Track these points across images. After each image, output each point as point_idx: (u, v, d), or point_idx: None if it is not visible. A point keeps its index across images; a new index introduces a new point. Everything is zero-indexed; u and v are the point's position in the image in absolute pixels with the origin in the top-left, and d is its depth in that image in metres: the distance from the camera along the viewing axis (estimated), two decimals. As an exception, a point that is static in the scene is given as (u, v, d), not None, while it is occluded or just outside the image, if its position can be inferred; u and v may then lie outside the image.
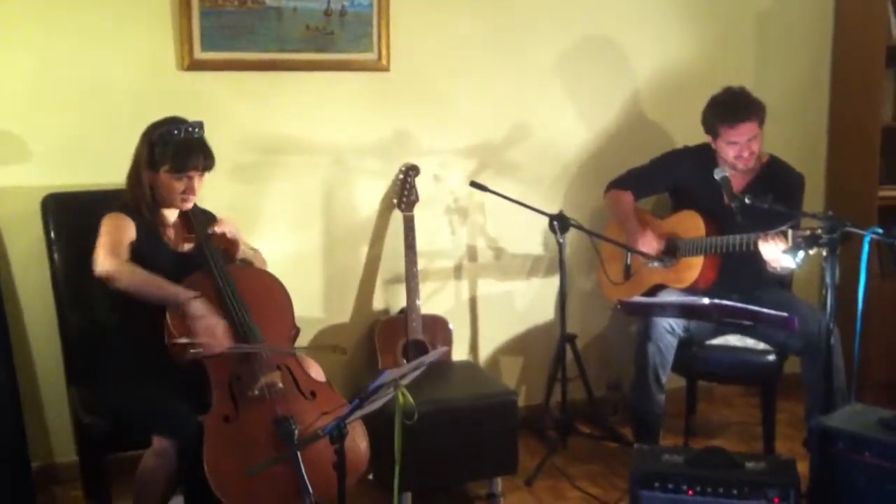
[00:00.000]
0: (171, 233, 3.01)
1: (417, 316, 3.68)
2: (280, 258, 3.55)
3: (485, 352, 4.08)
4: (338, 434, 2.32)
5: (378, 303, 3.86)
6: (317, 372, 3.00)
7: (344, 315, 3.82)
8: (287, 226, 3.68)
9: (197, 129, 2.91)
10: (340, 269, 3.80)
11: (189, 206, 2.96)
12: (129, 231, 2.87)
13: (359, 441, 2.85)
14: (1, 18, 3.21)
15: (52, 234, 3.17)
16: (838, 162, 4.48)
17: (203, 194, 3.39)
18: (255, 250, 3.24)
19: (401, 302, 3.77)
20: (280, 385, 2.79)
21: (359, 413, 2.37)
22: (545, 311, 4.11)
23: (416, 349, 3.68)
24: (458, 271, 3.98)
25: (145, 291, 2.75)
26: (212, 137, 3.44)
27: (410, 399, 2.36)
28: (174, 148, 2.86)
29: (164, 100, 3.37)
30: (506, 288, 4.07)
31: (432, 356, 2.47)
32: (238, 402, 2.74)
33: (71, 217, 3.17)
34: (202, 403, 2.74)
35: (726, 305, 3.01)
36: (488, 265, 4.02)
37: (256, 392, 2.75)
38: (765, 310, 2.99)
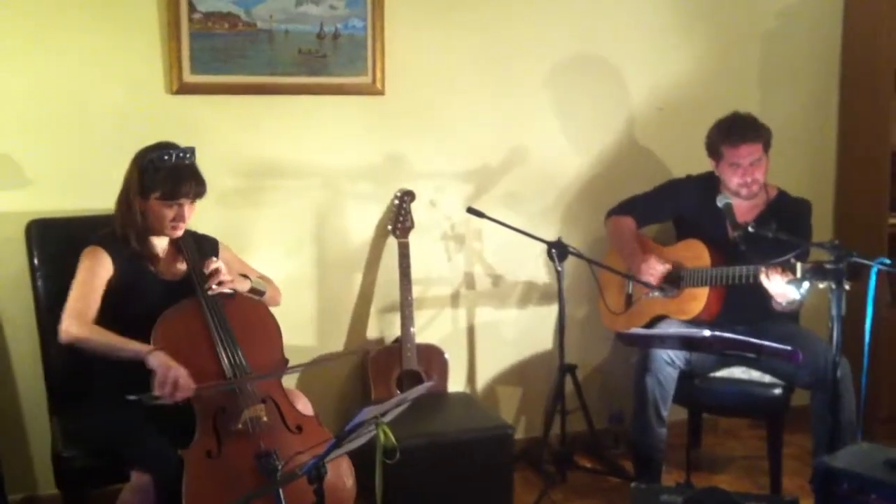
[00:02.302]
0: (159, 261, 2.94)
1: (412, 345, 3.59)
2: (272, 285, 3.49)
3: (482, 382, 3.98)
4: (315, 474, 2.22)
5: (372, 331, 3.77)
6: (304, 405, 2.91)
7: (337, 344, 3.73)
8: (279, 252, 3.60)
9: (188, 156, 2.85)
10: (334, 296, 3.71)
11: (178, 233, 2.89)
12: (105, 271, 2.81)
13: (345, 478, 2.76)
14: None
15: (36, 261, 3.10)
16: (847, 189, 4.36)
17: (194, 218, 3.35)
18: (265, 279, 3.17)
19: (395, 331, 3.68)
20: (265, 418, 2.69)
21: (338, 452, 2.27)
22: (544, 341, 4.00)
23: (410, 380, 3.59)
24: (454, 299, 3.88)
25: (110, 354, 2.69)
26: (201, 162, 3.37)
27: (392, 437, 2.26)
28: (165, 174, 2.79)
29: (153, 123, 3.33)
30: (504, 316, 3.97)
31: (416, 391, 2.38)
32: (221, 435, 2.65)
33: (56, 243, 3.10)
34: (186, 434, 2.66)
35: (727, 338, 2.90)
36: (486, 293, 3.93)
37: (240, 426, 2.66)
38: (767, 343, 2.88)
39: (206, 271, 2.87)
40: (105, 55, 3.29)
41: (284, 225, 3.60)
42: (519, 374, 4.03)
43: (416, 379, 3.60)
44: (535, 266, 3.94)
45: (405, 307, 3.58)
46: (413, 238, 3.63)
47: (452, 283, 3.87)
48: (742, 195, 3.44)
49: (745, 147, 3.39)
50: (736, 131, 3.43)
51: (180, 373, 2.60)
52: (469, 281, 3.90)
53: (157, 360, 2.62)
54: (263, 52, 3.47)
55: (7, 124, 3.22)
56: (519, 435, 4.02)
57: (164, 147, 2.84)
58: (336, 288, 3.71)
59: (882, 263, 2.81)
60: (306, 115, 3.57)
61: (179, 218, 2.84)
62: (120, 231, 2.86)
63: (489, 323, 3.95)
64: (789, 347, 2.84)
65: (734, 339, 2.91)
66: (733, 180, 3.44)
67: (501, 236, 3.72)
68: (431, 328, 3.83)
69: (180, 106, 3.40)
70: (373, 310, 3.76)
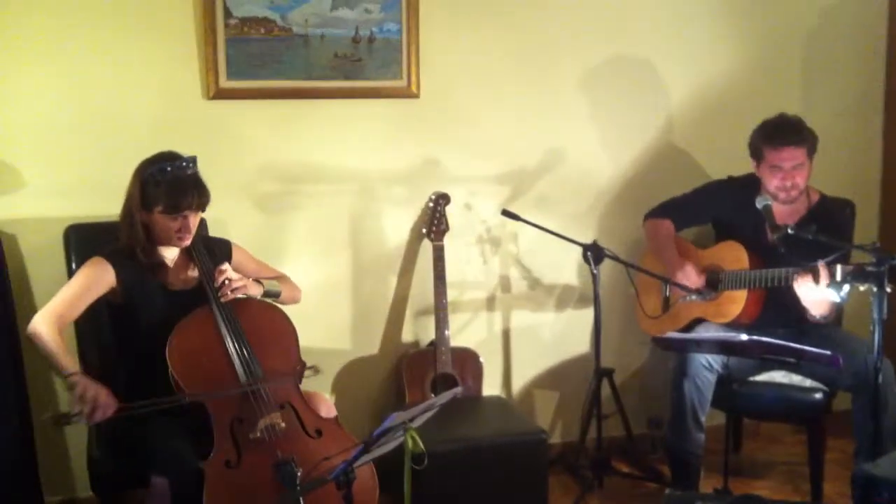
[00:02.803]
0: (168, 271, 2.92)
1: (447, 349, 3.58)
2: (307, 288, 3.46)
3: (518, 386, 3.95)
4: (344, 480, 2.22)
5: (407, 335, 3.77)
6: (327, 409, 2.91)
7: (372, 347, 3.73)
8: (314, 255, 3.62)
9: (190, 165, 2.81)
10: (368, 300, 3.71)
11: (186, 243, 2.87)
12: (103, 283, 2.81)
13: (368, 479, 2.74)
14: (25, 47, 3.22)
15: (74, 266, 3.14)
16: (893, 190, 4.26)
17: (230, 224, 3.41)
18: (280, 278, 3.15)
19: (430, 334, 3.66)
20: (282, 425, 2.68)
21: (366, 458, 2.27)
22: (581, 344, 3.97)
23: (444, 383, 3.58)
24: (490, 302, 3.86)
25: (47, 361, 2.68)
26: (238, 166, 3.44)
27: (420, 443, 2.25)
28: (167, 187, 2.77)
29: (190, 129, 3.37)
30: (540, 320, 3.94)
31: (444, 397, 2.37)
32: (240, 444, 2.65)
33: (93, 248, 3.08)
34: (207, 442, 2.67)
35: (766, 342, 2.84)
36: (521, 296, 3.90)
37: (258, 434, 2.65)
38: (806, 347, 2.82)
39: (216, 284, 2.84)
40: (142, 61, 3.33)
41: (320, 228, 3.62)
42: (555, 378, 4.00)
43: (450, 382, 3.59)
44: (571, 269, 3.91)
45: (440, 310, 3.58)
46: (448, 241, 3.62)
47: (488, 286, 3.85)
48: (780, 199, 3.37)
49: (787, 150, 3.32)
50: (780, 134, 3.36)
51: (99, 393, 2.56)
52: (505, 284, 3.87)
53: (77, 379, 2.59)
54: (299, 57, 3.49)
55: (45, 132, 3.27)
56: (555, 439, 4.00)
57: (165, 158, 2.81)
58: (371, 291, 3.71)
59: (925, 266, 2.74)
60: (342, 118, 3.58)
61: (185, 229, 2.82)
62: (125, 244, 2.85)
63: (525, 326, 3.92)
64: (829, 352, 2.78)
65: (773, 344, 2.85)
66: (773, 183, 3.37)
67: (537, 239, 3.70)
68: (467, 332, 3.82)
69: (216, 111, 3.43)
70: (408, 313, 3.75)
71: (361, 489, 2.73)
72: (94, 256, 2.86)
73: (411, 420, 2.26)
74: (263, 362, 2.80)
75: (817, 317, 3.20)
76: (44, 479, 3.25)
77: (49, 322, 2.70)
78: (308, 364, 2.94)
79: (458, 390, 2.44)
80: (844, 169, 4.14)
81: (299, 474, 2.55)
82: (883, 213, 4.30)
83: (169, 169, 2.80)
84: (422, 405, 2.29)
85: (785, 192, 3.36)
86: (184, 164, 2.82)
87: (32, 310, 3.26)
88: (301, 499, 2.50)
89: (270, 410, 2.71)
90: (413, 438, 2.25)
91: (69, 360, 2.66)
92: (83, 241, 3.16)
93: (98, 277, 2.81)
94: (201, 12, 3.35)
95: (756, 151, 3.44)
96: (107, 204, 3.26)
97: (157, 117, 3.36)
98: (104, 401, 2.57)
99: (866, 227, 4.12)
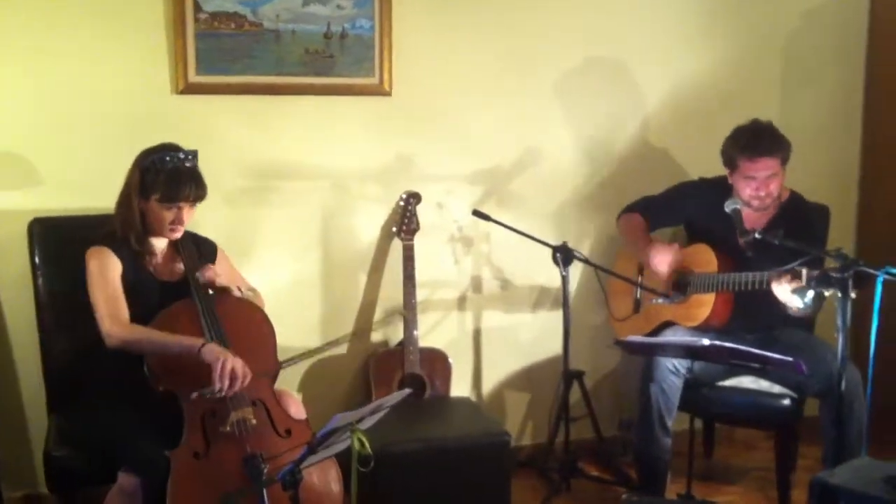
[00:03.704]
0: (157, 261, 2.94)
1: (415, 349, 3.56)
2: (277, 286, 3.49)
3: (488, 387, 3.93)
4: (290, 480, 2.20)
5: (377, 334, 3.74)
6: (297, 409, 2.89)
7: (340, 346, 3.70)
8: (284, 253, 3.59)
9: (190, 158, 2.85)
10: (338, 297, 3.69)
11: (177, 235, 2.89)
12: (116, 269, 2.82)
13: (332, 484, 2.73)
14: (-8, 41, 3.19)
15: (38, 260, 3.12)
16: (871, 193, 4.24)
17: (199, 220, 3.35)
18: (254, 291, 3.15)
19: (400, 333, 3.64)
20: (253, 421, 2.68)
21: (313, 459, 2.24)
22: (553, 346, 3.92)
23: (412, 384, 3.56)
24: (461, 303, 3.84)
25: (158, 352, 2.69)
26: (207, 162, 3.38)
27: (367, 445, 2.22)
28: (165, 177, 2.80)
29: (158, 123, 3.33)
30: (511, 321, 3.92)
31: (392, 398, 2.34)
32: (210, 437, 2.64)
33: (57, 242, 3.11)
34: (176, 436, 2.65)
35: (728, 347, 2.83)
36: (493, 297, 3.88)
37: (228, 428, 2.64)
38: (769, 353, 2.80)
39: (204, 278, 2.86)
40: (110, 55, 3.30)
41: (290, 225, 3.59)
42: (527, 379, 3.97)
43: (418, 383, 3.56)
44: (544, 270, 3.85)
45: (409, 310, 3.55)
46: (420, 240, 3.59)
47: (459, 286, 3.83)
48: (753, 206, 3.34)
49: (762, 161, 3.28)
50: (755, 144, 3.30)
51: (237, 363, 2.61)
52: (476, 284, 3.85)
53: (212, 353, 2.62)
54: (270, 52, 3.46)
55: (11, 122, 3.24)
56: (526, 441, 3.99)
57: (167, 149, 2.84)
58: (341, 289, 3.69)
59: (889, 273, 2.72)
60: (313, 115, 3.55)
61: (178, 221, 2.84)
62: (120, 231, 2.86)
63: (496, 327, 3.90)
64: (791, 358, 2.76)
65: (735, 349, 2.83)
66: (746, 192, 3.34)
67: (510, 240, 3.66)
68: (437, 332, 3.79)
69: (186, 106, 3.40)
70: (378, 312, 3.72)
71: (325, 491, 2.73)
72: (94, 247, 2.85)
73: (359, 421, 2.23)
74: (241, 358, 2.76)
75: (796, 311, 3.14)
76: (3, 474, 3.23)
77: (119, 325, 2.73)
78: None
79: (406, 392, 2.41)
80: (822, 173, 4.11)
81: (266, 470, 2.54)
82: (859, 218, 4.27)
83: (169, 159, 2.83)
84: (369, 406, 2.27)
85: (759, 200, 3.33)
86: (183, 155, 2.86)
87: (-3, 303, 3.28)
88: (265, 494, 2.48)
89: (242, 405, 2.70)
90: (360, 440, 2.22)
91: (184, 339, 2.68)
92: (47, 235, 3.13)
93: (111, 265, 2.82)
94: (171, 6, 3.32)
95: (730, 160, 3.39)
96: (72, 197, 3.27)
97: (124, 111, 3.32)
98: (242, 370, 2.61)
99: (843, 232, 4.10)
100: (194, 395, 2.59)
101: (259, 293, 3.16)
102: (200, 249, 3.03)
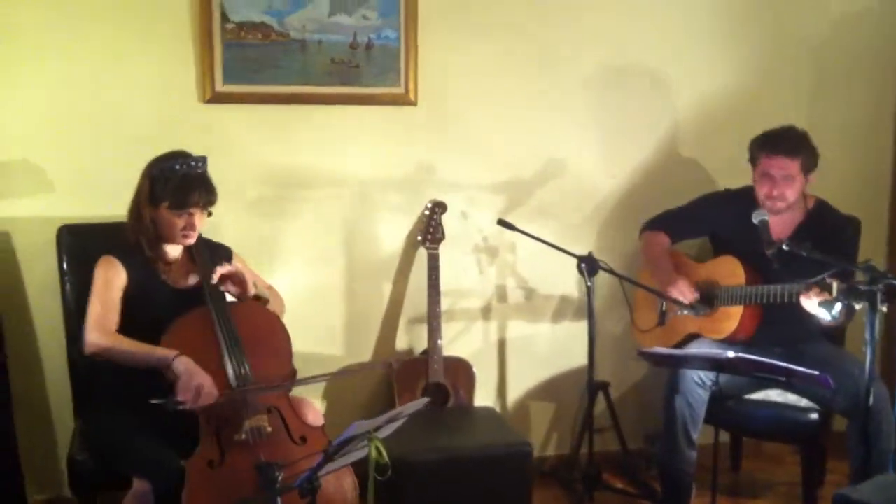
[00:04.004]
0: (172, 269, 2.96)
1: (439, 358, 3.56)
2: (300, 294, 3.50)
3: (512, 397, 3.91)
4: (308, 488, 2.20)
5: (401, 343, 3.75)
6: (314, 416, 2.90)
7: (365, 354, 3.72)
8: (308, 261, 3.61)
9: (199, 164, 2.86)
10: (362, 306, 3.69)
11: (190, 241, 2.90)
12: (119, 280, 2.85)
13: (348, 492, 2.73)
14: (21, 45, 3.24)
15: (66, 266, 3.15)
16: (903, 206, 4.18)
17: (223, 228, 3.40)
18: (270, 288, 3.17)
19: (424, 343, 3.63)
20: (268, 429, 2.68)
21: (331, 467, 2.24)
22: (578, 356, 3.90)
23: (436, 393, 3.55)
24: (485, 312, 3.83)
25: (134, 363, 2.71)
26: (232, 170, 3.44)
27: (384, 454, 2.22)
28: (175, 184, 2.81)
29: (185, 132, 3.36)
30: (536, 331, 3.90)
31: (411, 407, 2.33)
32: (224, 445, 2.65)
33: (85, 249, 3.13)
34: (192, 442, 2.66)
35: (753, 360, 2.79)
36: (518, 307, 3.86)
37: (243, 436, 2.65)
38: (795, 366, 2.76)
39: (215, 278, 2.87)
40: (138, 64, 3.34)
41: (314, 234, 3.61)
42: (551, 390, 3.95)
43: (441, 392, 3.56)
44: (570, 280, 3.86)
45: (433, 319, 3.55)
46: (444, 250, 3.59)
47: (483, 295, 3.82)
48: (766, 208, 3.31)
49: (779, 159, 3.27)
50: (775, 141, 3.32)
51: (205, 380, 2.62)
52: (501, 294, 3.84)
53: (183, 366, 2.64)
54: (296, 62, 3.48)
55: (40, 131, 3.29)
56: (550, 452, 3.97)
57: (175, 157, 2.86)
58: (365, 298, 3.69)
59: (919, 287, 2.67)
60: (338, 125, 3.57)
61: (190, 227, 2.86)
62: (132, 239, 2.89)
63: (521, 337, 3.88)
64: (817, 372, 2.72)
65: (760, 362, 2.80)
66: (761, 191, 3.33)
67: (534, 250, 3.63)
68: (461, 341, 3.79)
69: (212, 115, 3.43)
70: (402, 321, 3.73)
71: (341, 499, 2.72)
72: (104, 256, 2.90)
73: (376, 430, 2.23)
74: (256, 366, 2.80)
75: (828, 321, 3.09)
76: (30, 477, 3.27)
77: (102, 333, 2.76)
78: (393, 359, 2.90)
79: (424, 401, 2.40)
80: (853, 183, 4.06)
81: (280, 478, 2.53)
82: (892, 230, 4.20)
83: (178, 167, 2.84)
84: (386, 415, 2.27)
85: (771, 201, 3.31)
86: (193, 162, 2.87)
87: (24, 309, 3.32)
88: (279, 502, 2.48)
89: (257, 413, 2.71)
90: (378, 448, 2.22)
91: (160, 350, 2.70)
92: (75, 242, 3.17)
93: (115, 276, 2.86)
94: (198, 16, 3.36)
95: (753, 157, 3.40)
96: (100, 205, 3.30)
97: (152, 119, 3.36)
98: (208, 388, 2.62)
99: (874, 244, 4.04)
100: (155, 400, 2.59)
101: (277, 292, 3.17)
102: (215, 255, 3.03)
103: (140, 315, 2.84)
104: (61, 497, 3.40)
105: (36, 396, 3.37)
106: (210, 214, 2.95)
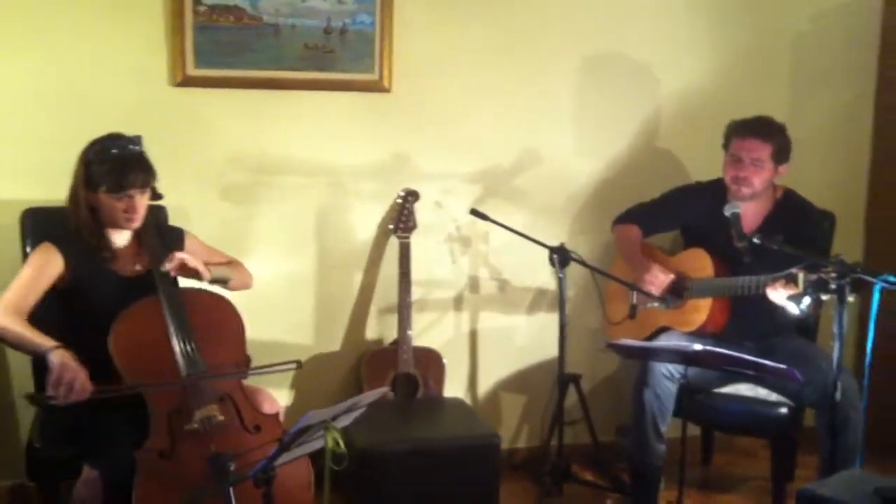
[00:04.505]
0: (119, 256, 2.89)
1: (409, 348, 3.53)
2: (271, 281, 3.47)
3: (484, 389, 3.89)
4: (263, 478, 2.17)
5: (371, 332, 3.71)
6: (270, 405, 2.86)
7: (334, 343, 3.69)
8: (279, 248, 3.57)
9: (135, 145, 2.79)
10: (333, 294, 3.66)
11: (134, 225, 2.83)
12: (53, 268, 2.79)
13: (303, 479, 2.71)
14: (-13, 30, 3.18)
15: (29, 249, 3.09)
16: (880, 200, 4.16)
17: (194, 213, 3.36)
18: (231, 263, 3.11)
19: (395, 332, 3.60)
20: (220, 418, 2.63)
21: (288, 456, 2.21)
22: (550, 348, 3.84)
23: (405, 383, 3.53)
24: (457, 303, 3.80)
25: (19, 348, 2.68)
26: (203, 155, 3.41)
27: (341, 443, 2.19)
28: (109, 167, 2.75)
29: (155, 115, 3.33)
30: (509, 322, 3.88)
31: (370, 396, 2.31)
32: (176, 435, 2.60)
33: (48, 232, 3.05)
34: (145, 432, 2.63)
35: (720, 353, 2.77)
36: (490, 297, 3.84)
37: (195, 425, 2.60)
38: (763, 360, 2.74)
39: (167, 267, 2.81)
40: (108, 46, 3.30)
41: (286, 221, 3.57)
42: (524, 382, 3.93)
43: (411, 382, 3.54)
44: (543, 271, 3.82)
45: (403, 309, 3.52)
46: (417, 239, 3.56)
47: (456, 286, 3.79)
48: (731, 191, 3.32)
49: (751, 141, 3.28)
50: (751, 124, 3.33)
51: (78, 375, 2.53)
52: (473, 284, 3.81)
53: (57, 358, 2.55)
54: (269, 47, 3.44)
55: (5, 113, 3.24)
56: (521, 444, 3.96)
57: (109, 139, 2.79)
58: (335, 286, 3.66)
59: (886, 280, 2.66)
60: (311, 111, 3.53)
61: (131, 210, 2.78)
62: (73, 227, 2.82)
63: (493, 328, 3.86)
64: (785, 366, 2.70)
65: (728, 355, 2.79)
66: (729, 173, 3.34)
67: (508, 240, 3.60)
68: (433, 332, 3.76)
69: (183, 99, 3.39)
70: (372, 310, 3.70)
71: (296, 486, 2.69)
72: (43, 242, 2.85)
73: (334, 419, 2.20)
74: (207, 354, 2.75)
75: (797, 314, 3.07)
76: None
77: (7, 313, 2.69)
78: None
79: (384, 390, 2.40)
80: (830, 179, 4.05)
81: (233, 468, 2.49)
82: (868, 226, 4.19)
83: (113, 149, 2.78)
84: (344, 403, 2.23)
85: (736, 184, 3.31)
86: (128, 143, 2.80)
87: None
88: (231, 493, 2.45)
89: (208, 402, 2.66)
90: (335, 438, 2.19)
91: (44, 339, 2.63)
92: (40, 225, 3.11)
93: (48, 264, 2.80)
94: (170, -2, 3.32)
95: (726, 140, 3.41)
96: (65, 188, 3.23)
97: (121, 102, 3.31)
98: (80, 384, 2.54)
99: (851, 240, 4.03)
100: (26, 393, 2.56)
101: (241, 264, 3.13)
102: (165, 238, 2.97)
103: (83, 304, 2.79)
104: (24, 485, 3.36)
105: (1, 384, 3.32)
106: (159, 197, 2.90)
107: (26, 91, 3.25)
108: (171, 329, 2.72)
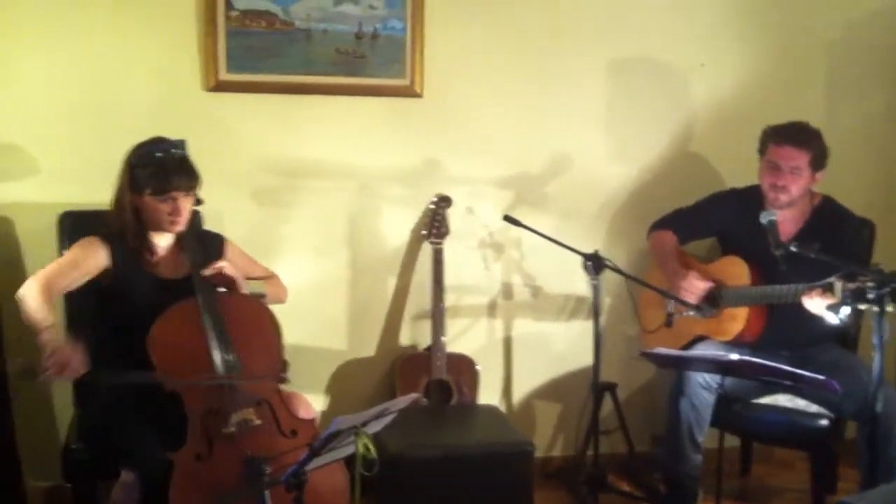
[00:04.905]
0: (159, 259, 2.91)
1: (442, 354, 3.51)
2: (303, 285, 3.47)
3: (518, 396, 3.86)
4: (294, 483, 2.15)
5: (405, 338, 3.70)
6: (306, 409, 2.86)
7: (369, 349, 3.67)
8: (311, 253, 3.57)
9: (178, 148, 2.81)
10: (366, 300, 3.65)
11: (179, 228, 2.85)
12: (95, 261, 2.81)
13: (337, 484, 2.69)
14: (25, 31, 3.23)
15: (66, 252, 3.12)
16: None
17: (226, 217, 3.37)
18: (269, 277, 3.14)
19: (429, 338, 3.58)
20: (256, 421, 2.64)
21: (318, 462, 2.19)
22: (585, 356, 3.79)
23: (438, 389, 3.51)
24: (491, 309, 3.77)
25: (25, 320, 2.65)
26: (235, 159, 3.43)
27: (372, 449, 2.17)
28: (154, 170, 2.77)
29: (188, 120, 3.34)
30: (543, 329, 3.84)
31: (400, 403, 2.28)
32: (213, 438, 2.61)
33: (85, 235, 3.06)
34: (182, 434, 2.63)
35: (757, 363, 2.71)
36: (524, 304, 3.80)
37: (231, 428, 2.61)
38: (800, 371, 2.68)
39: (209, 272, 2.83)
40: (142, 51, 3.32)
41: (317, 226, 3.57)
42: (559, 390, 3.89)
43: (444, 389, 3.52)
44: (577, 278, 3.74)
45: (436, 315, 3.50)
46: (449, 245, 3.54)
47: (489, 292, 3.77)
48: (769, 199, 3.26)
49: (787, 149, 3.22)
50: (788, 131, 3.27)
51: (63, 353, 2.51)
52: (507, 291, 3.78)
53: (44, 339, 2.55)
54: (300, 52, 3.44)
55: (41, 117, 3.28)
56: (556, 453, 3.92)
57: (154, 143, 2.82)
58: (368, 292, 3.65)
59: (927, 290, 2.59)
60: (342, 115, 3.53)
61: (175, 212, 2.81)
62: (117, 229, 2.85)
63: (527, 335, 3.83)
64: (823, 377, 2.64)
65: (765, 365, 2.72)
66: (766, 181, 3.28)
67: (541, 246, 3.54)
68: (466, 338, 3.73)
69: (215, 103, 3.40)
70: (406, 316, 3.68)
71: (330, 491, 2.68)
72: (89, 236, 2.87)
73: (364, 425, 2.18)
74: (244, 358, 2.76)
75: (835, 324, 3.01)
76: (29, 465, 3.25)
77: (36, 287, 2.70)
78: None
79: (415, 396, 2.37)
80: (868, 186, 3.97)
81: (268, 472, 2.49)
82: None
83: (158, 153, 2.80)
84: (374, 409, 2.21)
85: (773, 192, 3.25)
86: (172, 147, 2.82)
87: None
88: (267, 496, 2.44)
89: (244, 405, 2.67)
90: (366, 444, 2.16)
91: (44, 315, 2.63)
92: (77, 228, 3.13)
93: (90, 254, 2.83)
94: (202, 3, 3.33)
95: (762, 146, 3.36)
96: (102, 191, 3.21)
97: (155, 107, 3.33)
98: (75, 363, 2.54)
99: (891, 248, 3.91)
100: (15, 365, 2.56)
101: (277, 277, 3.15)
102: (205, 244, 2.99)
103: (122, 304, 2.81)
104: (61, 486, 3.37)
105: (37, 385, 3.33)
106: (200, 202, 2.92)
107: (62, 95, 3.28)
108: (209, 332, 2.73)
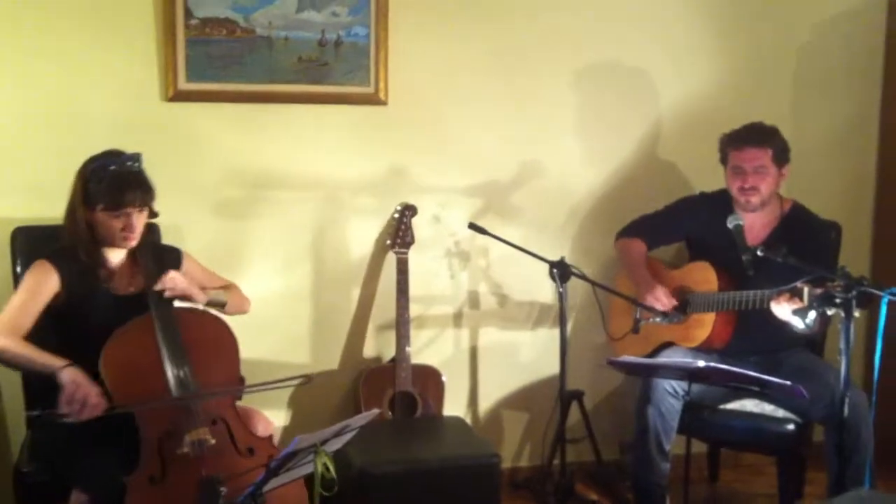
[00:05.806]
0: (113, 274, 2.84)
1: (407, 365, 3.47)
2: (266, 298, 3.41)
3: (484, 407, 3.82)
4: (251, 503, 2.10)
5: (369, 350, 3.65)
6: (264, 426, 2.80)
7: (332, 362, 3.62)
8: (274, 264, 3.52)
9: (133, 163, 2.74)
10: (329, 311, 3.60)
11: (131, 244, 2.79)
12: (48, 287, 2.74)
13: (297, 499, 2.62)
14: (-24, 44, 3.15)
15: (20, 268, 3.05)
16: (887, 210, 4.08)
17: (187, 230, 3.30)
18: (228, 288, 3.06)
19: (393, 350, 3.53)
20: (211, 441, 2.56)
21: (277, 481, 2.14)
22: (552, 365, 3.75)
23: (403, 402, 3.46)
24: (457, 319, 3.74)
25: (25, 367, 2.63)
26: (196, 170, 3.37)
27: (331, 468, 2.12)
28: (108, 184, 2.69)
29: (147, 131, 3.28)
30: (509, 338, 3.80)
31: (360, 419, 2.24)
32: (167, 459, 2.53)
33: (39, 251, 2.99)
34: (136, 456, 2.56)
35: (724, 369, 2.70)
36: (491, 313, 3.77)
37: (185, 449, 2.53)
38: (768, 377, 2.67)
39: (159, 287, 2.75)
40: (99, 60, 3.26)
41: (281, 237, 3.51)
42: (526, 399, 3.85)
43: (409, 401, 3.47)
44: (544, 286, 3.74)
45: (401, 325, 3.46)
46: (415, 254, 3.50)
47: (455, 301, 3.73)
48: (740, 204, 3.26)
49: (749, 150, 3.23)
50: (744, 134, 3.29)
51: (90, 391, 2.51)
52: (473, 300, 3.74)
53: (68, 376, 2.52)
54: (262, 60, 3.39)
55: (-4, 128, 3.19)
56: (524, 462, 3.88)
57: (108, 156, 2.75)
58: (332, 303, 3.60)
59: (893, 294, 2.58)
60: (306, 124, 3.48)
61: (129, 228, 2.73)
62: (69, 244, 2.77)
63: (494, 345, 3.79)
64: (789, 382, 2.63)
65: (732, 371, 2.71)
66: (734, 186, 3.27)
67: (508, 254, 3.54)
68: (432, 348, 3.69)
69: (175, 113, 3.34)
70: (370, 327, 3.63)
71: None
72: (38, 260, 2.80)
73: (323, 443, 2.13)
74: (200, 375, 2.68)
75: (802, 329, 3.00)
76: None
77: (7, 334, 2.64)
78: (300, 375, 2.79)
79: (376, 412, 2.31)
80: (836, 188, 3.99)
81: (224, 492, 2.43)
82: (875, 236, 4.11)
83: (112, 167, 2.73)
84: (334, 427, 2.17)
85: (744, 195, 3.25)
86: (126, 160, 2.75)
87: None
88: None
89: (199, 425, 2.59)
90: (325, 462, 2.12)
91: (52, 358, 2.59)
92: (30, 244, 3.06)
93: (43, 283, 2.75)
94: (161, 12, 3.27)
95: (723, 155, 3.35)
96: (56, 206, 3.13)
97: (113, 118, 3.27)
98: (94, 401, 2.51)
99: (857, 251, 3.96)
100: (35, 412, 2.51)
101: (237, 288, 3.08)
102: (163, 258, 2.91)
103: (77, 323, 2.74)
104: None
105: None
106: (155, 215, 2.86)
107: (16, 107, 3.21)
108: (163, 350, 2.66)
